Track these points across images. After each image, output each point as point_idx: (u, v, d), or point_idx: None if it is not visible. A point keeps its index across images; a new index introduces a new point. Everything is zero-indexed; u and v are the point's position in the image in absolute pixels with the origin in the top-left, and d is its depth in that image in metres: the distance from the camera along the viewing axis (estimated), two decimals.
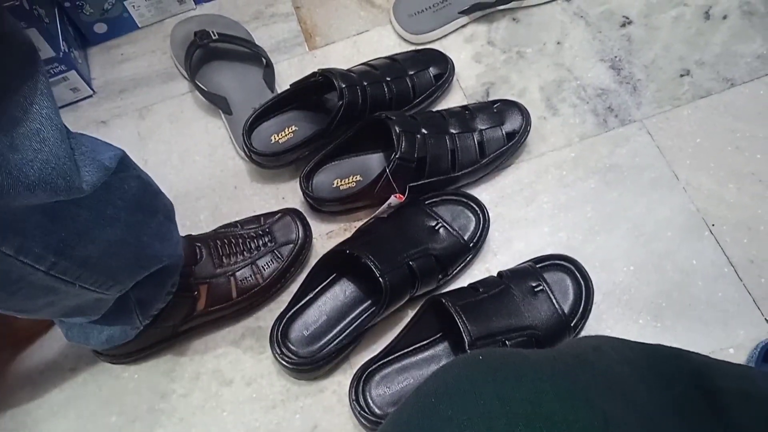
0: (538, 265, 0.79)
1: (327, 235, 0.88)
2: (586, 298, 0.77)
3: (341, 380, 0.80)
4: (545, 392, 0.38)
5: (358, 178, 0.88)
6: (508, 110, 0.88)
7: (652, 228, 0.83)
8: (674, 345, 0.49)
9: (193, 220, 0.92)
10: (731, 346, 0.76)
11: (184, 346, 0.84)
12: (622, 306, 0.80)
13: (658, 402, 0.42)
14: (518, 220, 0.86)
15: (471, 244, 0.82)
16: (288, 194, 0.92)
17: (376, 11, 1.04)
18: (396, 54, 0.95)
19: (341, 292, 0.82)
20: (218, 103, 0.95)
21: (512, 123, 0.87)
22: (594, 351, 0.44)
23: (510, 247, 0.84)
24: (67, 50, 0.96)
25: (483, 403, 0.38)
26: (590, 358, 0.43)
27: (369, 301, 0.81)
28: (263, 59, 0.96)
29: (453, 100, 0.95)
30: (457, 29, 1.00)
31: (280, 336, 0.79)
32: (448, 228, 0.82)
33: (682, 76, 0.92)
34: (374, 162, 0.89)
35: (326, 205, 0.87)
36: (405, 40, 1.00)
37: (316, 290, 0.82)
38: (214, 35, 0.95)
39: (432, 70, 0.93)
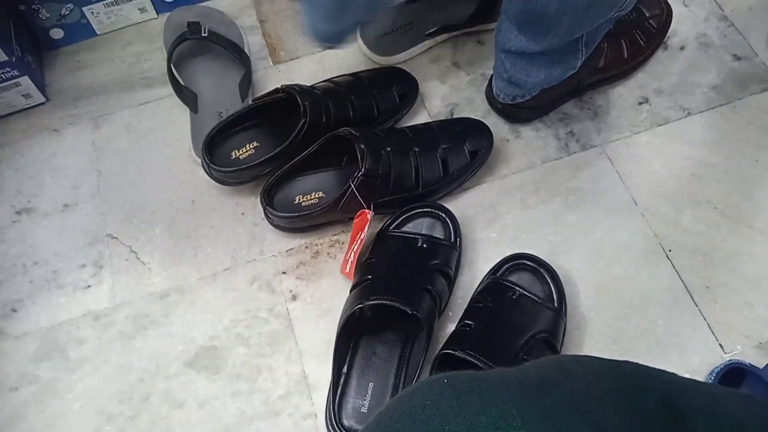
0: (498, 275, 0.80)
1: (287, 253, 0.87)
2: (552, 278, 0.79)
3: (298, 403, 0.78)
4: (511, 417, 0.37)
5: (320, 195, 0.86)
6: (471, 129, 0.89)
7: (611, 252, 0.84)
8: (632, 362, 0.49)
9: (148, 234, 0.89)
10: (687, 371, 0.77)
11: (134, 364, 0.81)
12: (582, 330, 0.80)
13: (627, 421, 0.41)
14: (481, 240, 0.86)
15: (455, 245, 0.83)
16: (248, 210, 0.90)
17: None
18: (361, 72, 0.95)
19: (370, 352, 0.78)
20: (187, 97, 0.93)
21: (475, 141, 0.87)
22: (560, 371, 0.44)
23: (472, 268, 0.84)
24: (20, 55, 0.93)
25: (448, 428, 0.37)
26: (556, 378, 0.42)
27: (401, 344, 0.78)
28: (243, 67, 0.94)
29: (417, 120, 0.95)
30: (415, 56, 1.00)
31: (339, 428, 0.73)
32: (431, 240, 0.81)
33: (640, 103, 0.94)
34: (337, 178, 0.88)
35: (288, 222, 0.85)
36: (372, 61, 1.00)
37: (347, 364, 0.77)
38: (205, 32, 0.93)
39: (396, 90, 0.93)
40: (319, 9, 0.70)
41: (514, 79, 0.84)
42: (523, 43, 0.78)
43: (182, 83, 0.94)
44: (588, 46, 0.82)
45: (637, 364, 0.47)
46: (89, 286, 0.86)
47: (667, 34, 0.96)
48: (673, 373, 0.47)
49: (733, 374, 0.74)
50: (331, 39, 0.75)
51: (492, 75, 0.90)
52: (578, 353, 0.79)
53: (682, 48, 0.98)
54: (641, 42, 0.93)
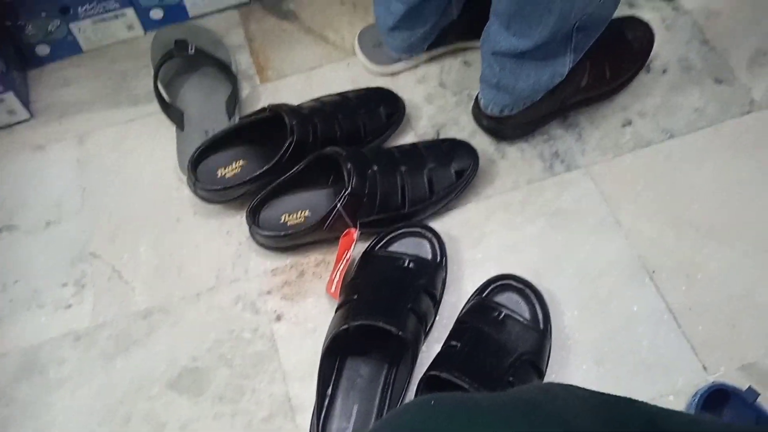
0: (484, 296, 0.80)
1: (272, 272, 0.86)
2: (537, 299, 0.79)
3: (281, 425, 0.77)
4: None
5: (306, 214, 0.86)
6: (457, 149, 0.89)
7: (595, 273, 0.85)
8: (617, 390, 0.49)
9: (132, 252, 0.88)
10: (671, 393, 0.77)
11: (115, 385, 0.80)
12: (566, 350, 0.80)
13: None
14: (466, 261, 0.86)
15: (441, 265, 0.82)
16: (233, 228, 0.89)
17: (330, 47, 1.04)
18: (348, 91, 0.95)
19: (354, 373, 0.77)
20: (173, 115, 0.93)
21: (461, 161, 0.88)
22: (545, 394, 0.44)
23: (458, 288, 0.84)
24: (5, 71, 0.92)
25: None
26: (542, 400, 0.42)
27: (387, 365, 0.78)
28: (230, 85, 0.94)
29: (404, 140, 0.95)
30: (409, 69, 1.01)
31: None
32: (416, 260, 0.81)
33: (624, 125, 0.95)
34: (323, 198, 0.87)
35: (273, 241, 0.85)
36: (368, 70, 1.01)
37: (331, 385, 0.77)
38: (192, 49, 0.93)
39: (383, 109, 0.93)
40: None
41: (502, 83, 0.85)
42: (513, 43, 0.79)
43: (169, 101, 0.94)
44: (576, 52, 0.83)
45: (619, 396, 0.48)
46: (70, 306, 0.85)
47: (650, 57, 0.98)
48: (655, 405, 0.48)
49: (717, 396, 0.75)
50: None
51: (478, 93, 0.91)
52: (563, 374, 0.79)
53: (664, 71, 0.99)
54: (623, 64, 0.95)
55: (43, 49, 1.01)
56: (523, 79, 0.84)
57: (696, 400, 0.74)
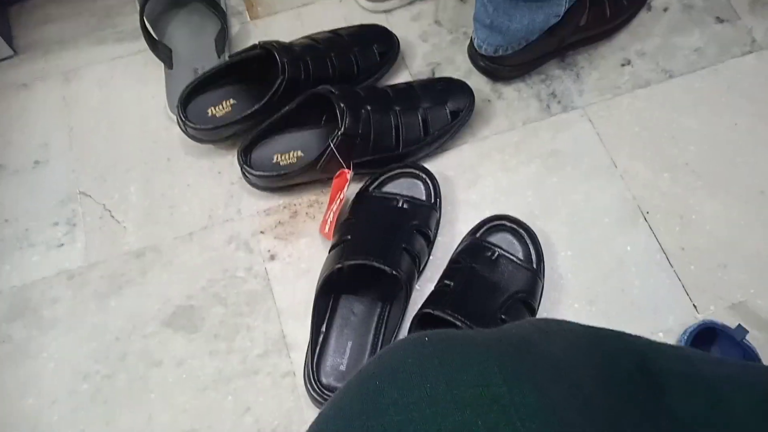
0: (478, 236, 0.80)
1: (265, 212, 0.85)
2: (531, 239, 0.79)
3: (276, 362, 0.77)
4: (492, 375, 0.37)
5: (299, 154, 0.85)
6: (453, 88, 0.87)
7: (590, 214, 0.85)
8: (608, 329, 0.50)
9: (123, 192, 0.87)
10: (661, 331, 0.78)
11: (109, 324, 0.80)
12: (559, 290, 0.81)
13: (604, 381, 0.42)
14: (460, 202, 0.86)
15: (435, 206, 0.82)
16: (225, 168, 0.88)
17: None
18: (340, 29, 0.93)
19: (348, 311, 0.78)
20: (161, 53, 0.91)
21: (456, 101, 0.86)
22: (539, 332, 0.44)
23: (452, 229, 0.84)
24: None
25: (429, 386, 0.36)
26: (535, 339, 0.42)
27: (380, 303, 0.78)
28: (219, 21, 0.92)
29: (398, 79, 0.93)
30: (404, 5, 0.98)
31: (318, 387, 0.73)
32: (410, 200, 0.80)
33: (623, 65, 0.93)
34: (316, 137, 0.86)
35: (266, 181, 0.84)
36: (362, 6, 0.98)
37: (325, 323, 0.77)
38: None
39: (377, 47, 0.91)
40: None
41: (496, 24, 0.83)
42: None
43: (156, 38, 0.91)
44: None
45: (612, 329, 0.48)
46: (62, 245, 0.84)
47: None
48: (647, 338, 0.48)
49: (706, 334, 0.76)
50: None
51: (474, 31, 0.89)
52: (555, 314, 0.79)
53: (665, 9, 0.97)
54: (623, 1, 0.92)
55: None
56: (517, 20, 0.82)
57: (686, 337, 0.75)
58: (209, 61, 0.91)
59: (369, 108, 0.82)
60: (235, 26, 0.98)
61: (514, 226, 0.80)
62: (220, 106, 0.87)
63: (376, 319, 0.77)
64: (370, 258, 0.73)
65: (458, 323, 0.69)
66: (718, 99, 0.91)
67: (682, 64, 0.93)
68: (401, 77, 0.93)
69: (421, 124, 0.84)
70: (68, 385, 0.77)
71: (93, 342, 0.79)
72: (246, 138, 0.84)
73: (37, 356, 0.79)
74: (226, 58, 0.92)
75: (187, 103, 0.85)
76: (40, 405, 0.76)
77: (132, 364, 0.78)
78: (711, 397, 0.44)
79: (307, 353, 0.76)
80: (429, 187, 0.83)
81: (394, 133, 0.83)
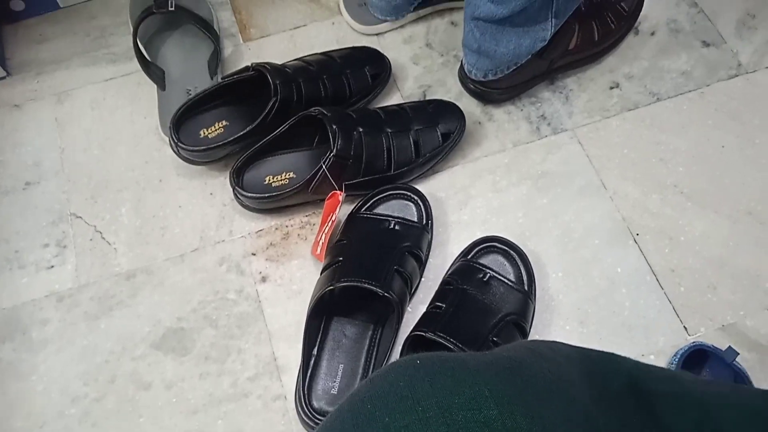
0: (469, 258, 0.80)
1: (257, 234, 0.86)
2: (522, 260, 0.79)
3: (267, 385, 0.77)
4: (484, 398, 0.37)
5: (291, 175, 0.85)
6: (444, 111, 0.88)
7: (580, 235, 0.85)
8: (598, 350, 0.50)
9: (114, 213, 0.87)
10: (652, 353, 0.78)
11: (99, 345, 0.79)
12: (550, 311, 0.81)
13: (596, 401, 0.42)
14: (452, 223, 0.86)
15: (427, 227, 0.82)
16: (217, 190, 0.88)
17: (314, 6, 1.02)
18: (333, 51, 0.93)
19: (340, 333, 0.77)
20: (154, 74, 0.91)
21: (447, 123, 0.87)
22: (530, 353, 0.44)
23: (444, 250, 0.84)
24: None
25: (421, 410, 0.37)
26: (528, 360, 0.42)
27: (372, 325, 0.78)
28: (212, 43, 0.92)
29: (390, 101, 0.94)
30: (395, 28, 0.99)
31: (309, 411, 0.73)
32: (402, 222, 0.81)
33: (611, 88, 0.94)
34: (308, 159, 0.86)
35: (258, 202, 0.84)
36: (354, 29, 0.99)
37: (317, 345, 0.77)
38: (172, 6, 0.90)
39: (369, 69, 0.92)
40: None
41: (483, 48, 0.84)
42: (491, 9, 0.78)
43: (149, 59, 0.92)
44: (558, 17, 0.82)
45: (602, 351, 0.48)
46: (52, 267, 0.84)
47: (638, 19, 0.97)
48: (636, 360, 0.48)
49: (697, 356, 0.76)
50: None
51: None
52: (547, 335, 0.80)
53: (652, 33, 0.98)
54: (612, 25, 0.94)
55: (18, 5, 0.98)
56: (503, 45, 0.83)
57: (676, 359, 0.75)
58: (202, 82, 0.92)
59: (361, 130, 0.82)
60: (227, 48, 0.98)
61: (506, 248, 0.80)
62: (213, 128, 0.88)
63: (368, 341, 0.77)
64: (362, 280, 0.73)
65: (450, 346, 0.69)
66: (706, 121, 0.92)
67: (669, 86, 0.94)
68: (393, 99, 0.94)
69: (412, 146, 0.85)
70: (57, 407, 0.77)
71: (82, 364, 0.79)
72: (238, 159, 0.84)
73: (27, 378, 0.78)
74: (219, 80, 0.92)
75: (180, 125, 0.85)
76: (29, 427, 0.76)
77: (121, 386, 0.77)
78: (700, 416, 0.45)
79: (298, 376, 0.76)
80: (420, 208, 0.83)
81: (385, 155, 0.84)
